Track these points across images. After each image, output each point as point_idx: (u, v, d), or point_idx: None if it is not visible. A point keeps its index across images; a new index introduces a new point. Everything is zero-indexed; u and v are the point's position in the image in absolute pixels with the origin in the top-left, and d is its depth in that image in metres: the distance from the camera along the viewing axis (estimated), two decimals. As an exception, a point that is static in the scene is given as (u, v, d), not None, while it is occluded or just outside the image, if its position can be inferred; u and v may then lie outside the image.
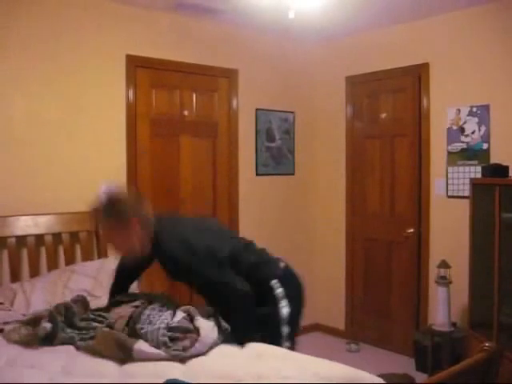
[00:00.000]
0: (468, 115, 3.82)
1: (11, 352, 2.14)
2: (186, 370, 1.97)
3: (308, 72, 4.86)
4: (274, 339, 2.35)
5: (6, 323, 2.50)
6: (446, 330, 3.55)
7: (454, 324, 3.63)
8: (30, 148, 3.32)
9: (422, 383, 3.45)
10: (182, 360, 2.06)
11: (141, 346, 2.05)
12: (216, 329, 2.25)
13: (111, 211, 2.27)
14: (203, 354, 2.11)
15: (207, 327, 2.19)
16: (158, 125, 3.94)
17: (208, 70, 4.18)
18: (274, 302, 2.39)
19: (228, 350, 2.19)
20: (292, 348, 2.43)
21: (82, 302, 2.56)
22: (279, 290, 2.40)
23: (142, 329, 2.16)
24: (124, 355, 2.03)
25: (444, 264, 3.62)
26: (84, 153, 3.54)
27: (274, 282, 2.41)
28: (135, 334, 2.15)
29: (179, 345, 2.09)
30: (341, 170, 4.73)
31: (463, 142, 3.86)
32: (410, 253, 4.22)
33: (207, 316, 2.30)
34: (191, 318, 2.24)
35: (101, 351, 2.08)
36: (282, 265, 2.55)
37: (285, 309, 2.39)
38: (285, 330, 2.40)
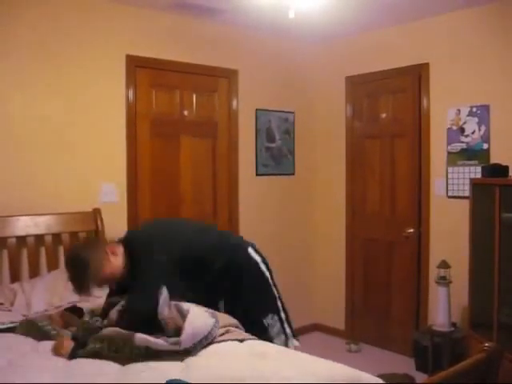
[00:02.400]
0: (468, 115, 3.82)
1: (12, 353, 2.14)
2: (187, 370, 1.97)
3: (308, 72, 4.86)
4: (269, 300, 2.69)
5: (12, 323, 2.50)
6: (446, 330, 3.55)
7: (454, 324, 3.64)
8: (29, 148, 3.32)
9: (421, 383, 3.45)
10: (183, 359, 2.07)
11: (142, 334, 2.07)
12: (206, 314, 2.30)
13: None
14: (197, 346, 2.14)
15: (193, 313, 2.24)
16: (158, 125, 3.94)
17: (208, 70, 4.18)
18: (256, 266, 2.69)
19: (228, 348, 2.20)
20: (285, 312, 2.75)
21: (77, 311, 2.57)
22: (257, 257, 2.72)
23: None
24: (126, 343, 2.04)
25: (444, 264, 3.63)
26: (84, 153, 3.54)
27: (251, 250, 2.73)
28: None
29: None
30: (341, 170, 4.73)
31: (463, 142, 3.86)
32: (410, 253, 4.21)
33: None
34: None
35: (103, 350, 2.08)
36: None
37: (266, 272, 2.71)
38: (274, 291, 2.73)
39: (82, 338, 2.18)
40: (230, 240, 2.85)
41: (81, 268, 2.29)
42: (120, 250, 2.45)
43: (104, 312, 2.48)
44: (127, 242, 2.50)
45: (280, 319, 2.69)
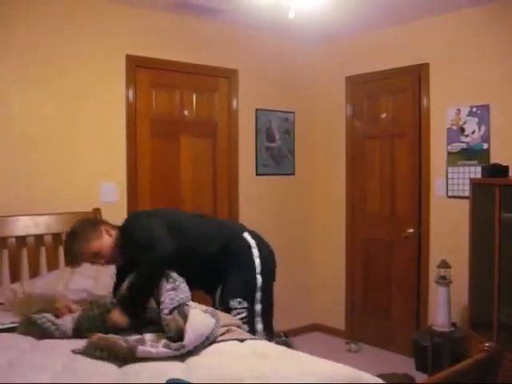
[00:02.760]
0: (468, 115, 3.82)
1: (11, 353, 2.14)
2: (187, 370, 1.97)
3: (308, 72, 4.86)
4: (246, 285, 2.62)
5: (12, 323, 2.50)
6: (446, 330, 3.55)
7: (454, 324, 3.63)
8: (30, 148, 3.32)
9: (421, 383, 3.45)
10: (183, 359, 2.06)
11: (144, 347, 2.05)
12: (206, 315, 2.31)
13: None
14: (199, 347, 2.14)
15: (194, 315, 2.25)
16: (158, 125, 3.94)
17: (208, 70, 4.18)
18: (248, 250, 2.69)
19: (229, 348, 2.20)
20: (269, 302, 2.71)
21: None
22: (252, 241, 2.72)
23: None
24: (127, 357, 2.02)
25: (444, 264, 3.62)
26: (84, 153, 3.55)
27: (246, 234, 2.76)
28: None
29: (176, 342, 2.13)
30: (341, 170, 4.73)
31: (463, 142, 3.86)
32: (409, 253, 4.21)
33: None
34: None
35: (102, 356, 2.07)
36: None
37: (256, 259, 2.67)
38: (258, 279, 2.66)
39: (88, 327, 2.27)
40: (228, 227, 2.89)
41: (71, 238, 2.48)
42: (114, 232, 2.55)
43: (114, 290, 2.65)
44: (123, 225, 2.63)
45: (250, 309, 2.59)
